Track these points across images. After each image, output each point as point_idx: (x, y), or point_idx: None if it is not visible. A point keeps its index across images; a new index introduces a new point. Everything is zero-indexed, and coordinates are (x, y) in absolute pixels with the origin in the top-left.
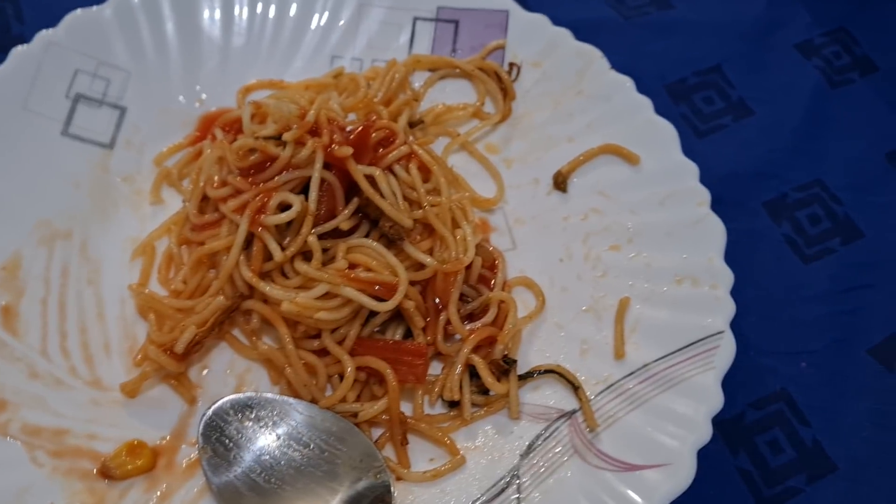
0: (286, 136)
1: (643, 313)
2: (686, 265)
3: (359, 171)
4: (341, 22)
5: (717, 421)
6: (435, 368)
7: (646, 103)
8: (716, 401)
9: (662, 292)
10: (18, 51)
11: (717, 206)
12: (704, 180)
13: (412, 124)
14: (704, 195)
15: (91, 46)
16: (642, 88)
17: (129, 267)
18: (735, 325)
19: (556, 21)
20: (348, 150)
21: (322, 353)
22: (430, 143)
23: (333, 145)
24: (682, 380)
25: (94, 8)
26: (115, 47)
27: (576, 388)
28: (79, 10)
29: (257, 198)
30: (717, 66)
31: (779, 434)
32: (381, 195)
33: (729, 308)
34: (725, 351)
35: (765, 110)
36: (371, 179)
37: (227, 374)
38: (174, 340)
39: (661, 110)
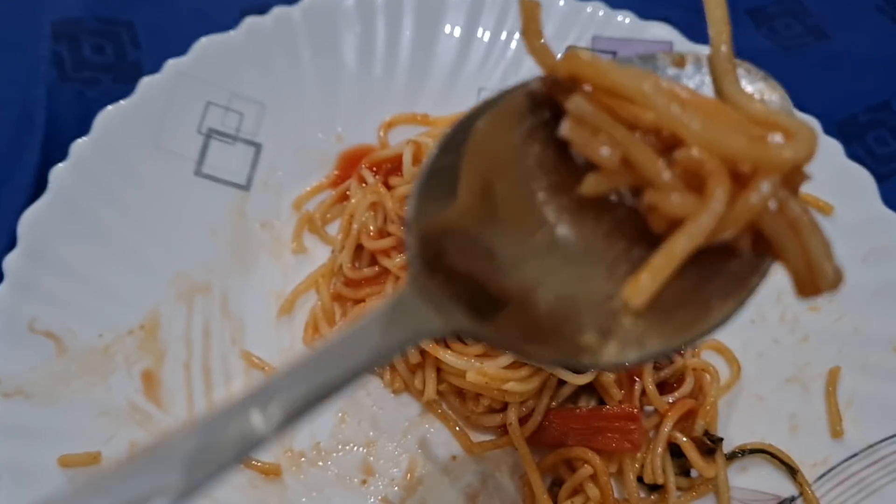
0: None
1: (859, 385)
2: None
3: None
4: (488, 52)
5: None
6: None
7: (836, 147)
8: None
9: (878, 362)
10: (147, 82)
11: None
12: None
13: None
14: None
15: (223, 76)
16: None
17: (275, 325)
18: None
19: None
20: None
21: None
22: None
23: None
24: None
25: (226, 34)
26: (249, 77)
27: (794, 471)
28: (209, 37)
29: None
30: (885, 102)
31: None
32: None
33: None
34: None
35: None
36: None
37: None
38: None
39: None
